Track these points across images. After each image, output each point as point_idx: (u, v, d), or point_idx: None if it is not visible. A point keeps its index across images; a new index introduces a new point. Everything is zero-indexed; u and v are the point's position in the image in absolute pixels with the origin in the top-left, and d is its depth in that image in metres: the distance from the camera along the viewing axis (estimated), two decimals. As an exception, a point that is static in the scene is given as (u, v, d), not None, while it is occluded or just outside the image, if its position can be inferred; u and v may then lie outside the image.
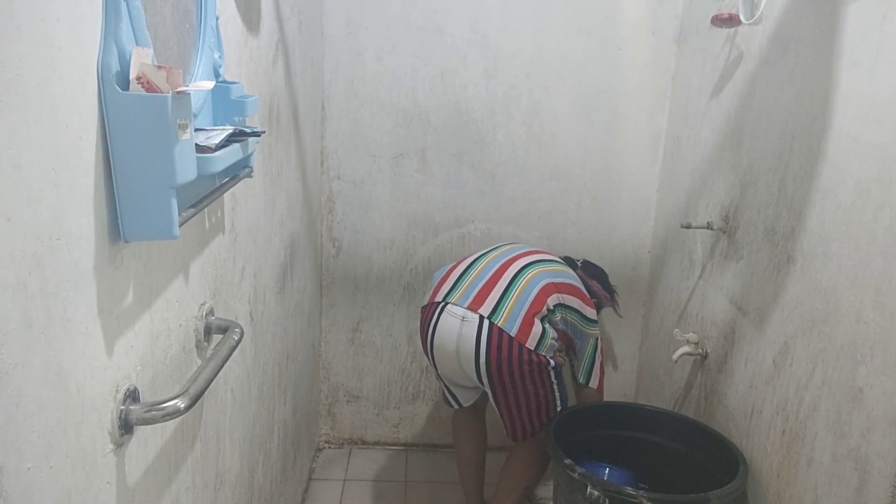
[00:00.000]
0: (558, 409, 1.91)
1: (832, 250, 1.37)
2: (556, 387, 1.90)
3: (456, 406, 2.07)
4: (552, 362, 1.85)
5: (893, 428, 1.16)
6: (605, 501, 1.52)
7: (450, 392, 2.05)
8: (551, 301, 1.87)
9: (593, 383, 2.04)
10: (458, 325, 1.85)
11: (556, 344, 1.86)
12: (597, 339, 2.03)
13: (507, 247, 2.08)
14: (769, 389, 1.59)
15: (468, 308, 1.84)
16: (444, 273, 2.01)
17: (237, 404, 1.37)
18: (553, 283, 1.92)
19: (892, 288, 1.18)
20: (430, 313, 1.92)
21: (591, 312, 1.99)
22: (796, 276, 1.50)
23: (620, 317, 2.39)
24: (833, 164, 1.38)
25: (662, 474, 1.88)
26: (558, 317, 1.89)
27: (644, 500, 1.50)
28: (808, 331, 1.44)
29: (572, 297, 1.94)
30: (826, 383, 1.37)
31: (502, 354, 1.81)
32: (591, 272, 2.23)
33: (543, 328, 1.84)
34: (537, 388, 1.86)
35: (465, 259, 2.04)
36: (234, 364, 1.33)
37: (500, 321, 1.81)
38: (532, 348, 1.81)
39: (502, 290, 1.87)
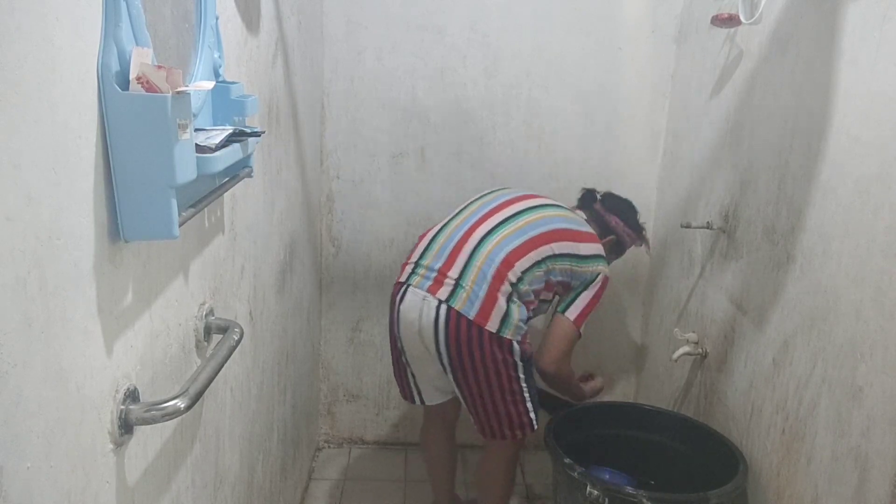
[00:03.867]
0: (528, 407, 1.80)
1: (832, 249, 1.37)
2: (522, 382, 1.78)
3: (419, 402, 1.95)
4: (516, 347, 1.73)
5: (893, 427, 1.17)
6: (605, 501, 1.52)
7: (415, 384, 1.93)
8: (519, 268, 1.74)
9: (570, 314, 1.84)
10: (420, 305, 1.75)
11: (524, 327, 1.75)
12: (598, 275, 1.85)
13: (488, 197, 1.93)
14: (769, 388, 1.59)
15: (427, 291, 1.75)
16: (417, 241, 1.91)
17: (237, 404, 1.37)
18: (523, 243, 1.77)
19: (892, 286, 1.18)
20: (395, 293, 1.84)
21: (588, 248, 1.84)
22: (796, 275, 1.50)
23: (650, 256, 2.11)
24: (833, 163, 1.38)
25: (662, 474, 1.88)
26: (528, 284, 1.76)
27: (644, 500, 1.50)
28: (807, 329, 1.44)
29: (561, 243, 1.80)
30: (826, 382, 1.37)
31: (461, 337, 1.71)
32: (610, 206, 2.04)
33: (508, 307, 1.73)
34: (502, 382, 1.75)
35: (443, 220, 1.93)
36: (234, 364, 1.33)
37: (458, 304, 1.71)
38: (494, 331, 1.70)
39: (462, 265, 1.75)
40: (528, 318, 1.78)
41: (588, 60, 2.30)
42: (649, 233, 2.45)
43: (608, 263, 1.90)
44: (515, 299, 1.74)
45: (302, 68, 1.93)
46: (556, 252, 1.79)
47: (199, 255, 1.09)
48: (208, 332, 1.12)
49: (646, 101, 2.35)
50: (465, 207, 1.92)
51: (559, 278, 1.81)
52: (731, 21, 1.78)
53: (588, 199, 2.02)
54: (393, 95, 2.31)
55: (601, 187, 2.40)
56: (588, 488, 1.54)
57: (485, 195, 1.95)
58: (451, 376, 1.78)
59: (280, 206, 1.72)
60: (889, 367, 1.18)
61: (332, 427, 2.64)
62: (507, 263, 1.74)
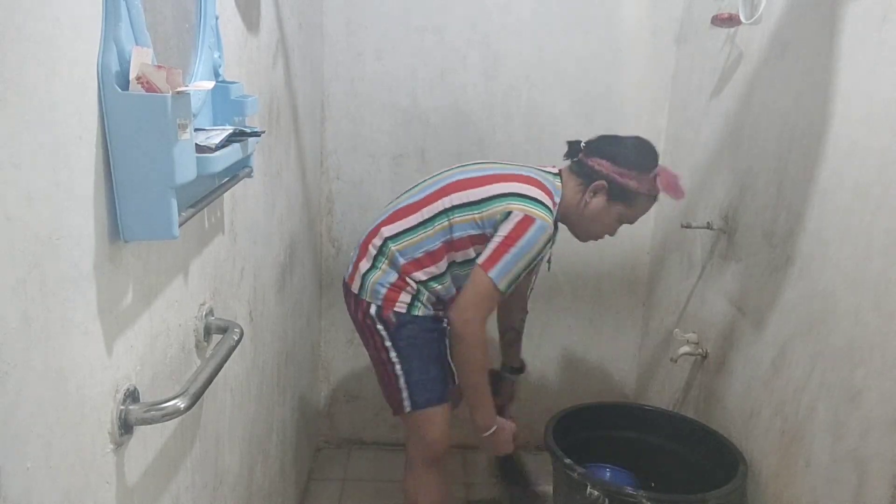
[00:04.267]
0: (400, 386, 1.70)
1: (831, 252, 1.37)
2: (391, 352, 1.69)
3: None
4: (373, 311, 1.67)
5: (892, 429, 1.17)
6: (604, 501, 1.53)
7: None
8: (385, 233, 1.69)
9: (480, 260, 1.60)
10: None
11: (383, 290, 1.66)
12: (508, 214, 1.59)
13: (449, 172, 1.77)
14: (768, 390, 1.59)
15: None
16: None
17: (236, 404, 1.37)
18: (400, 208, 1.72)
19: (891, 289, 1.18)
20: None
21: (486, 191, 1.63)
22: (795, 278, 1.50)
23: (677, 198, 1.72)
24: (832, 166, 1.38)
25: (662, 475, 1.88)
26: (399, 244, 1.66)
27: (643, 500, 1.50)
28: (806, 332, 1.44)
29: (455, 195, 1.65)
30: (824, 384, 1.37)
31: (344, 298, 1.78)
32: (595, 149, 1.70)
33: (370, 267, 1.70)
34: (370, 346, 1.73)
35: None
36: (234, 364, 1.33)
37: (349, 271, 1.76)
38: (355, 291, 1.70)
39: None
40: (420, 281, 1.66)
41: (588, 62, 2.30)
42: (649, 233, 2.45)
43: (549, 209, 1.62)
44: (381, 264, 1.68)
45: (302, 69, 1.93)
46: (451, 205, 1.65)
47: (199, 256, 1.09)
48: (208, 332, 1.12)
49: (646, 103, 2.35)
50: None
51: (468, 232, 1.64)
52: (731, 21, 1.79)
53: (572, 151, 1.77)
54: (393, 97, 2.31)
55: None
56: (588, 489, 1.54)
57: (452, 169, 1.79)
58: None
59: (280, 206, 1.72)
60: (887, 370, 1.18)
61: (331, 427, 2.63)
62: (374, 232, 1.73)
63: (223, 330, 1.11)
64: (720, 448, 1.73)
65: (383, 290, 1.68)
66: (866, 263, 1.25)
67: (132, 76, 0.74)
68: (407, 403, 1.72)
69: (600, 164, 1.67)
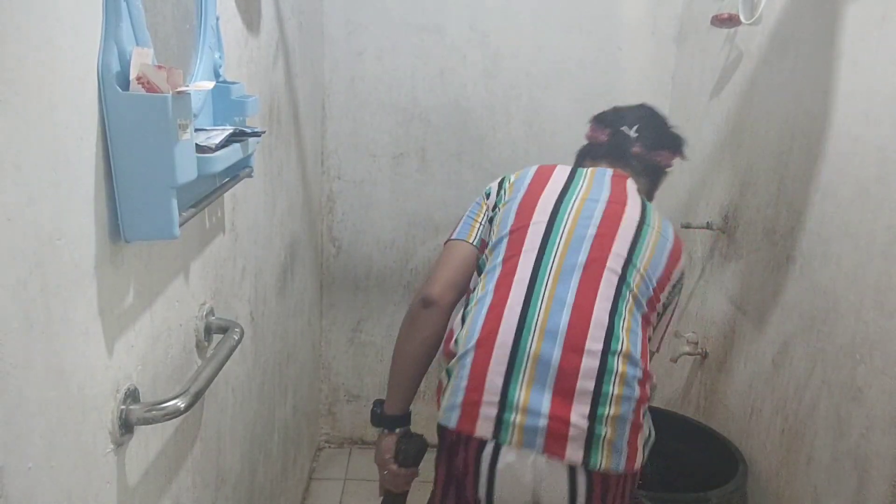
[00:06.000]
0: None
1: (831, 250, 1.37)
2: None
3: None
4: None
5: (893, 427, 1.17)
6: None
7: None
8: (649, 362, 1.23)
9: (652, 345, 1.33)
10: (533, 474, 1.16)
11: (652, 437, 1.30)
12: (679, 292, 1.37)
13: (563, 236, 1.25)
14: (769, 389, 1.59)
15: (545, 452, 1.14)
16: (473, 351, 1.19)
17: (238, 404, 1.37)
18: (646, 312, 1.24)
19: (892, 287, 1.18)
20: (468, 451, 1.19)
21: (678, 270, 1.32)
22: (796, 276, 1.50)
23: (686, 158, 1.53)
24: (832, 164, 1.38)
25: (662, 474, 1.88)
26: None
27: (644, 500, 1.50)
28: (807, 330, 1.44)
29: (670, 283, 1.30)
30: (825, 383, 1.37)
31: (608, 500, 1.19)
32: (653, 141, 1.45)
33: (648, 428, 1.26)
34: None
35: (504, 294, 1.22)
36: (235, 364, 1.33)
37: (602, 461, 1.15)
38: (640, 465, 1.22)
39: (590, 392, 1.15)
40: None
41: (588, 61, 2.30)
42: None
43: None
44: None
45: (302, 69, 1.93)
46: (665, 300, 1.31)
47: (199, 256, 1.09)
48: (209, 332, 1.12)
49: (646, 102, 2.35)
50: (543, 253, 1.24)
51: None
52: (730, 21, 1.79)
53: (620, 145, 1.44)
54: (393, 96, 2.31)
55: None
56: (588, 488, 1.53)
57: (557, 219, 1.28)
58: None
59: (281, 206, 1.72)
60: (889, 368, 1.18)
61: (332, 427, 2.64)
62: (645, 378, 1.20)
63: (224, 330, 1.11)
64: (721, 447, 1.73)
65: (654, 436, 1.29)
66: (867, 261, 1.25)
67: (133, 76, 0.74)
68: None
69: (666, 157, 1.46)
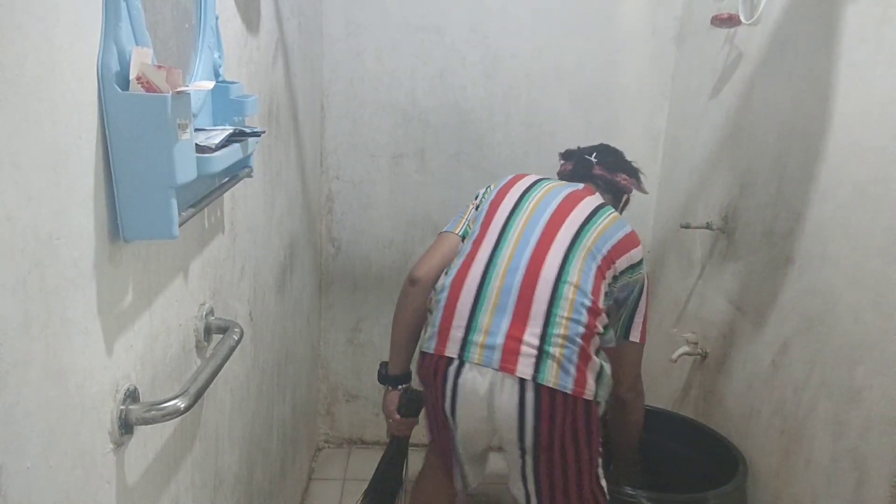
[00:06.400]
0: (599, 473, 1.47)
1: (830, 251, 1.37)
2: (599, 447, 1.47)
3: (462, 488, 1.58)
4: (601, 409, 1.44)
5: (891, 428, 1.17)
6: (603, 501, 1.52)
7: (462, 470, 1.55)
8: (602, 305, 1.41)
9: (635, 335, 1.58)
10: (488, 392, 1.35)
11: (612, 381, 1.46)
12: (643, 281, 1.56)
13: (528, 204, 1.52)
14: (767, 390, 1.59)
15: (501, 368, 1.33)
16: (448, 288, 1.44)
17: (236, 404, 1.37)
18: (596, 272, 1.42)
19: (890, 288, 1.18)
20: (438, 369, 1.41)
21: (639, 252, 1.52)
22: (794, 277, 1.50)
23: (646, 192, 1.80)
24: (831, 165, 1.39)
25: (662, 474, 1.88)
26: (608, 305, 1.47)
27: (643, 500, 1.50)
28: (806, 331, 1.44)
29: (622, 258, 1.48)
30: (824, 384, 1.37)
31: (556, 418, 1.34)
32: (611, 165, 1.69)
33: (601, 362, 1.40)
34: (592, 457, 1.43)
35: (473, 257, 1.46)
36: (234, 364, 1.33)
37: (550, 378, 1.32)
38: (592, 397, 1.36)
39: (541, 321, 1.35)
40: None
41: (587, 61, 2.31)
42: (649, 233, 2.46)
43: None
44: (601, 350, 1.43)
45: (302, 69, 1.93)
46: (620, 269, 1.48)
47: (199, 256, 1.09)
48: (208, 332, 1.12)
49: (645, 103, 2.35)
50: (506, 227, 1.49)
51: (618, 295, 1.54)
52: (730, 21, 1.79)
53: (583, 169, 1.67)
54: (393, 96, 2.31)
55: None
56: (587, 489, 1.54)
57: (520, 204, 1.54)
58: (531, 466, 1.41)
59: (280, 206, 1.72)
60: (887, 369, 1.18)
61: (331, 427, 2.64)
62: (595, 310, 1.39)
63: (223, 330, 1.11)
64: (720, 448, 1.73)
65: (613, 382, 1.45)
66: (866, 262, 1.26)
67: (132, 76, 0.74)
68: (606, 489, 1.49)
69: (625, 180, 1.70)
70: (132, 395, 0.83)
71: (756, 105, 1.73)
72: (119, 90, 0.73)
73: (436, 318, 1.44)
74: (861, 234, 1.27)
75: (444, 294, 1.45)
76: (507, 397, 1.34)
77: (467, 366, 1.37)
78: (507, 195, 1.57)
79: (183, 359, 1.03)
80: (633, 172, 1.73)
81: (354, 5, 2.23)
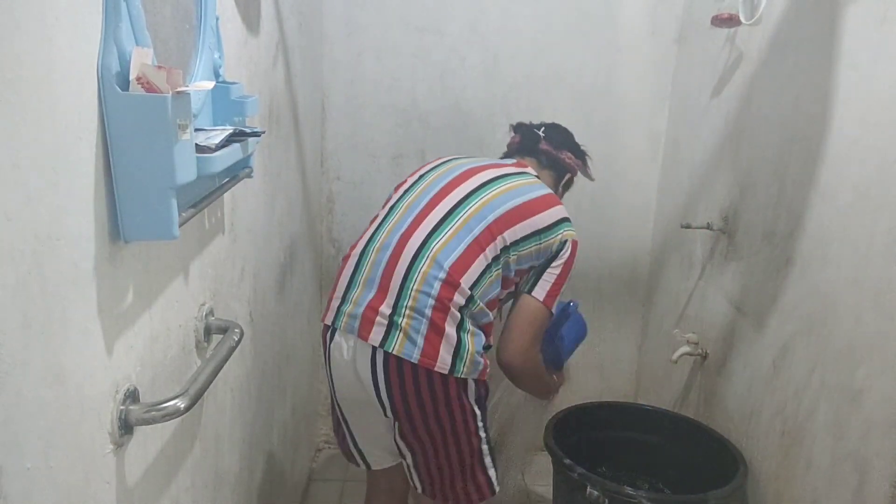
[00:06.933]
0: (487, 464, 1.49)
1: (831, 252, 1.37)
2: (481, 432, 1.47)
3: (362, 465, 1.63)
4: (472, 387, 1.43)
5: (892, 430, 1.17)
6: (604, 501, 1.52)
7: (355, 444, 1.61)
8: (466, 283, 1.40)
9: (538, 293, 1.50)
10: (351, 357, 1.43)
11: (481, 360, 1.43)
12: (566, 242, 1.52)
13: (424, 182, 1.56)
14: (768, 391, 1.59)
15: (358, 335, 1.41)
16: (341, 264, 1.54)
17: (237, 405, 1.37)
18: (468, 247, 1.42)
19: (891, 290, 1.18)
20: (323, 336, 1.51)
21: (550, 216, 1.50)
22: (795, 278, 1.50)
23: (592, 179, 1.83)
24: (832, 166, 1.38)
25: (662, 475, 1.88)
26: (481, 298, 1.43)
27: (643, 500, 1.50)
28: (807, 332, 1.44)
29: (516, 227, 1.46)
30: (825, 385, 1.37)
31: (406, 387, 1.39)
32: (558, 141, 1.70)
33: (460, 337, 1.39)
34: (458, 434, 1.44)
35: (363, 234, 1.55)
36: (234, 364, 1.33)
37: (395, 347, 1.37)
38: (445, 372, 1.38)
39: (395, 294, 1.40)
40: (487, 346, 1.47)
41: (588, 61, 2.30)
42: (649, 234, 2.46)
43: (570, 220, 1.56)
44: (469, 325, 1.41)
45: (302, 69, 1.93)
46: (514, 239, 1.46)
47: (199, 256, 1.09)
48: (208, 332, 1.12)
49: (646, 103, 2.35)
50: (400, 199, 1.56)
51: (524, 266, 1.50)
52: (730, 21, 1.79)
53: (529, 142, 1.68)
54: (393, 97, 2.31)
55: (602, 188, 2.40)
56: (588, 489, 1.54)
57: (417, 182, 1.58)
58: (396, 430, 1.47)
59: (280, 206, 1.72)
60: (888, 371, 1.18)
61: (331, 428, 2.63)
62: (450, 282, 1.39)
63: (223, 330, 1.11)
64: (720, 448, 1.73)
65: (481, 360, 1.43)
66: (866, 263, 1.25)
67: (132, 76, 0.74)
68: (495, 482, 1.52)
69: (570, 159, 1.71)
70: (132, 396, 0.83)
71: (757, 106, 1.73)
72: (119, 90, 0.73)
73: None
74: (862, 235, 1.27)
75: (336, 271, 1.57)
76: (363, 363, 1.41)
77: (338, 333, 1.46)
78: (412, 175, 1.63)
79: (183, 359, 1.03)
80: (581, 154, 1.76)
81: (355, 6, 2.23)
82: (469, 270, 1.41)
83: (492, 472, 1.51)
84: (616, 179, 2.41)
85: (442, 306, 1.39)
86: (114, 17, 0.73)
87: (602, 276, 2.49)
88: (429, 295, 1.39)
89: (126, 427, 0.82)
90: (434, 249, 1.42)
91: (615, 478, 1.87)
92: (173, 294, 0.98)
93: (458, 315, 1.40)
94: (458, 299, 1.40)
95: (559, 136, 1.73)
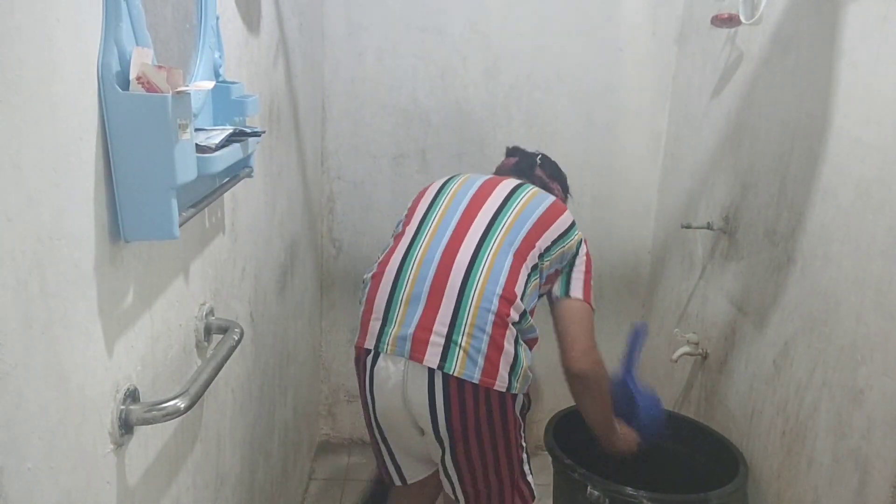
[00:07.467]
0: (526, 470, 1.50)
1: (832, 251, 1.37)
2: (523, 441, 1.49)
3: (399, 482, 1.58)
4: (520, 402, 1.44)
5: (894, 429, 1.16)
6: (605, 501, 1.52)
7: (395, 463, 1.57)
8: (518, 294, 1.39)
9: (576, 292, 1.50)
10: (400, 381, 1.39)
11: (531, 374, 1.45)
12: (581, 241, 1.54)
13: (445, 199, 1.54)
14: (769, 390, 1.59)
15: (410, 357, 1.37)
16: (368, 283, 1.50)
17: (237, 405, 1.37)
18: (513, 261, 1.41)
19: (893, 289, 1.18)
20: (361, 358, 1.46)
21: (566, 219, 1.52)
22: (796, 277, 1.50)
23: (571, 197, 1.88)
24: (833, 165, 1.38)
25: (662, 475, 1.88)
26: (528, 307, 1.43)
27: (644, 500, 1.50)
28: (808, 332, 1.44)
29: (545, 235, 1.47)
30: (826, 384, 1.37)
31: (467, 409, 1.36)
32: (551, 171, 1.76)
33: (516, 352, 1.38)
34: (510, 450, 1.45)
35: (393, 251, 1.50)
36: (235, 364, 1.33)
37: (456, 368, 1.34)
38: (504, 389, 1.36)
39: (451, 311, 1.37)
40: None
41: (589, 61, 2.30)
42: (650, 233, 2.46)
43: None
44: (521, 340, 1.41)
45: (303, 69, 1.93)
46: (546, 246, 1.47)
47: (199, 256, 1.09)
48: (209, 332, 1.11)
49: (647, 102, 2.35)
50: (424, 219, 1.52)
51: (551, 271, 1.50)
52: (731, 21, 1.79)
53: (526, 166, 1.73)
54: (394, 97, 2.31)
55: (602, 188, 2.41)
56: (589, 489, 1.54)
57: (438, 196, 1.57)
58: (449, 455, 1.43)
59: (281, 206, 1.72)
60: (890, 370, 1.18)
61: (332, 428, 2.63)
62: (507, 297, 1.38)
63: (224, 330, 1.11)
64: (721, 448, 1.73)
65: (531, 375, 1.44)
66: (868, 262, 1.25)
67: (132, 76, 0.74)
68: (533, 487, 1.53)
69: (557, 190, 1.76)
70: (132, 396, 0.83)
71: (757, 105, 1.73)
72: (119, 90, 0.73)
73: (360, 312, 1.49)
74: (863, 234, 1.27)
75: (366, 289, 1.49)
76: (418, 387, 1.37)
77: (381, 356, 1.40)
78: (427, 190, 1.61)
79: (183, 359, 1.03)
80: (566, 190, 1.82)
81: (355, 6, 2.23)
82: (518, 283, 1.40)
83: (531, 479, 1.52)
84: (616, 179, 2.41)
85: (501, 322, 1.36)
86: (114, 17, 0.73)
87: (602, 275, 2.49)
88: (489, 311, 1.36)
89: (126, 427, 0.82)
90: (486, 264, 1.40)
91: (616, 478, 1.87)
92: (174, 294, 0.98)
93: (514, 331, 1.39)
94: (514, 315, 1.38)
95: (552, 167, 1.78)
